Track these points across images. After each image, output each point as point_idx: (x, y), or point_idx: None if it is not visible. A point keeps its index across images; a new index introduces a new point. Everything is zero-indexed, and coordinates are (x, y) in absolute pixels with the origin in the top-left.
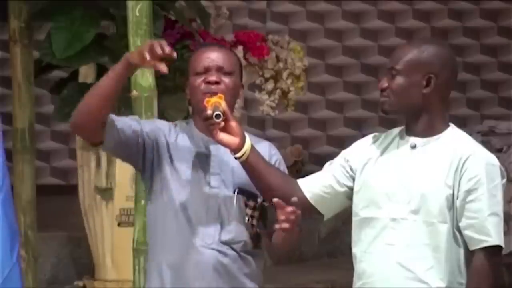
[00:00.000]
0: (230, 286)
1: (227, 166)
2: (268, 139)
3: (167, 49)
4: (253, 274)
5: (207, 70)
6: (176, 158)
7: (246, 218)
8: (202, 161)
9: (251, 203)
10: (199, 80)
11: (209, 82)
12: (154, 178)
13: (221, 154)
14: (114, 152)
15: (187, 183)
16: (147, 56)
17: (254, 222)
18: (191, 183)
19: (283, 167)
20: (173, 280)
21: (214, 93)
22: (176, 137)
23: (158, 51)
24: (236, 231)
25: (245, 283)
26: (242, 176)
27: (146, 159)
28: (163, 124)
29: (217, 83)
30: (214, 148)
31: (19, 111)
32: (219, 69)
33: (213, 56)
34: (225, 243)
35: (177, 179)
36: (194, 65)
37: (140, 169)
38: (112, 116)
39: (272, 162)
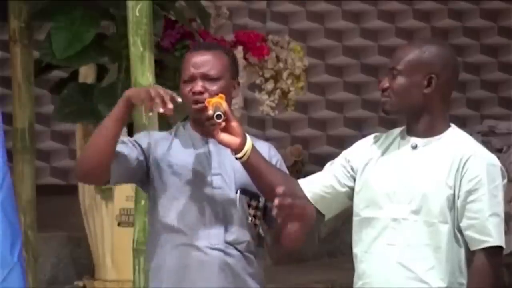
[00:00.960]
0: (235, 286)
1: (228, 166)
2: (268, 139)
3: (173, 99)
4: (256, 274)
5: (192, 79)
6: (176, 162)
7: (249, 218)
8: (202, 162)
9: (254, 203)
10: (187, 89)
11: (194, 93)
12: (155, 187)
13: (221, 154)
14: (120, 183)
15: (189, 184)
16: (157, 101)
17: (257, 221)
18: (193, 184)
19: (283, 168)
20: (178, 281)
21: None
22: (171, 143)
23: (168, 101)
24: (240, 231)
25: (249, 282)
26: (244, 175)
27: (149, 176)
28: (156, 135)
29: (201, 93)
30: (214, 148)
31: (19, 111)
32: (204, 77)
33: (198, 63)
34: (229, 243)
35: (179, 182)
36: (182, 71)
37: (143, 185)
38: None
39: (273, 163)
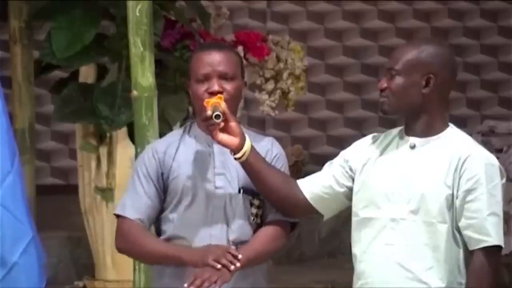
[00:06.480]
0: (236, 286)
1: (232, 166)
2: None
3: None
4: (258, 273)
5: (208, 78)
6: (180, 165)
7: (252, 217)
8: (206, 161)
9: (256, 202)
10: (202, 89)
11: (211, 93)
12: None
13: (224, 154)
14: None
15: (192, 184)
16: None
17: (259, 221)
18: (196, 184)
19: (283, 162)
20: (179, 280)
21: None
22: (178, 148)
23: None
24: (242, 230)
25: (250, 282)
26: (246, 175)
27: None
28: (161, 148)
29: (219, 92)
30: (218, 148)
31: (19, 111)
32: (221, 76)
33: (214, 62)
34: (231, 242)
35: (182, 181)
36: (194, 71)
37: None
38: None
39: (272, 156)
